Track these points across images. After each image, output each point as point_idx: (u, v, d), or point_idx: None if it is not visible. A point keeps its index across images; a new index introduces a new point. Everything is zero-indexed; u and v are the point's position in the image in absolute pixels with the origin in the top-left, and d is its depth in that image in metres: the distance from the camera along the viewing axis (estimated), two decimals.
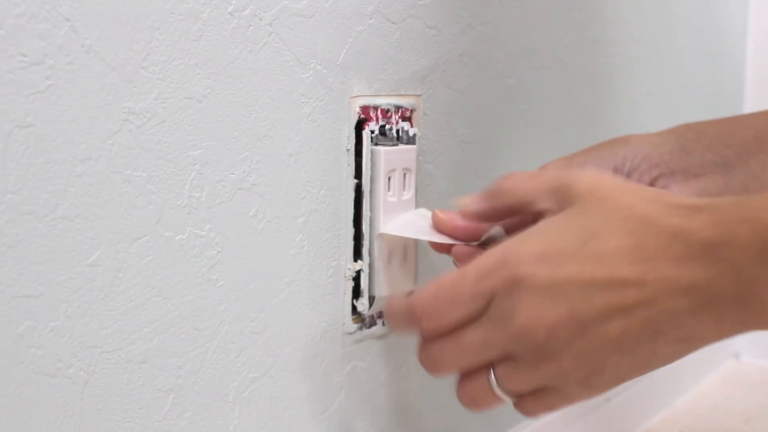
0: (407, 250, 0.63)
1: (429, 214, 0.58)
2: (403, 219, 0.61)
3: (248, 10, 0.51)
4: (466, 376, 0.50)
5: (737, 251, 0.40)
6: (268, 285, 0.55)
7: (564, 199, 0.48)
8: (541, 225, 0.48)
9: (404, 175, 0.63)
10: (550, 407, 0.49)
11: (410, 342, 0.68)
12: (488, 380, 0.49)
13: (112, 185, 0.45)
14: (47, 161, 0.42)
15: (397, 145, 0.62)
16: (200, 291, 0.51)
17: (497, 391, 0.49)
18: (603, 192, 0.47)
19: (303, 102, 0.56)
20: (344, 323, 0.61)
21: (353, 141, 0.60)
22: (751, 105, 1.34)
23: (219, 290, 0.52)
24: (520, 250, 0.46)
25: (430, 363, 0.50)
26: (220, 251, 0.52)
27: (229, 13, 0.50)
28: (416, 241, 0.64)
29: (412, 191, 0.63)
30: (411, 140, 0.64)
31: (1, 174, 0.40)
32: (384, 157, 0.60)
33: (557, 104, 0.85)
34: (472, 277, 0.48)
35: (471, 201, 0.54)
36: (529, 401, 0.49)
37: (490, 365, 0.49)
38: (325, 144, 0.58)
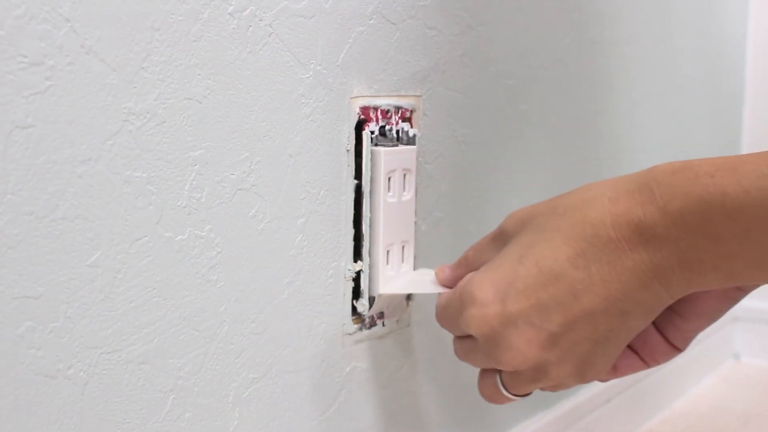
0: (406, 251, 0.63)
1: (429, 271, 0.61)
2: (404, 279, 0.63)
3: (248, 10, 0.51)
4: (482, 373, 0.54)
5: (670, 227, 0.43)
6: (268, 286, 0.55)
7: (504, 244, 0.52)
8: (490, 262, 0.51)
9: (404, 175, 0.62)
10: (563, 389, 0.52)
11: (410, 343, 0.68)
12: (497, 384, 0.52)
13: (112, 186, 0.45)
14: (47, 162, 0.42)
15: (397, 145, 0.62)
16: (200, 292, 0.51)
17: (505, 393, 0.52)
18: (528, 214, 0.50)
19: (303, 102, 0.56)
20: (344, 324, 0.61)
21: (353, 141, 0.60)
22: (751, 106, 1.34)
23: (219, 291, 0.52)
24: (474, 293, 0.50)
25: (456, 352, 0.55)
26: (220, 252, 0.52)
27: (229, 13, 0.50)
28: (415, 243, 0.64)
29: (412, 192, 0.63)
30: (411, 141, 0.64)
31: (1, 175, 0.40)
32: (384, 158, 0.60)
33: (557, 105, 0.85)
34: (445, 315, 0.54)
35: (441, 270, 0.58)
36: (544, 389, 0.53)
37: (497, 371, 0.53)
38: (325, 145, 0.58)
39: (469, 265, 0.55)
